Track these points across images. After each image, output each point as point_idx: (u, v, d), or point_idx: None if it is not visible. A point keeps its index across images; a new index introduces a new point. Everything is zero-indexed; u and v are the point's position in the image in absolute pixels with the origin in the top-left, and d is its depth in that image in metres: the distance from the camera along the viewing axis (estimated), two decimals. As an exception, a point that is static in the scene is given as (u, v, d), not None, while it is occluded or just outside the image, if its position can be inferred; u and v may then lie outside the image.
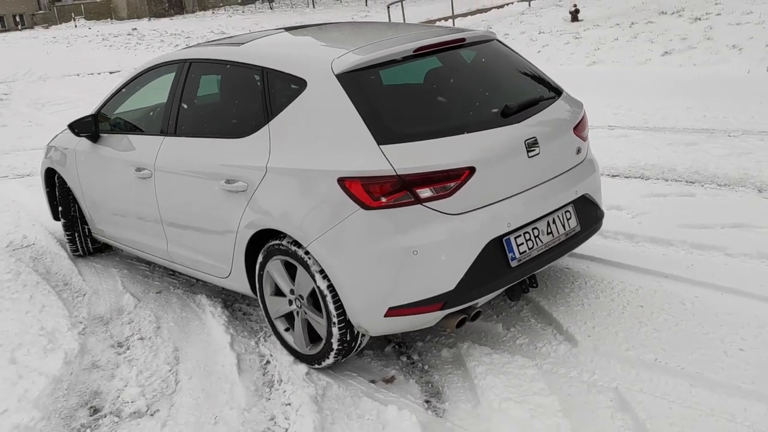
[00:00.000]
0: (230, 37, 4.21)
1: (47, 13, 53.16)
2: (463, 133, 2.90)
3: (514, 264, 2.97)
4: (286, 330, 3.36)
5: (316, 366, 3.20)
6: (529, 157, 3.03)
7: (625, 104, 7.85)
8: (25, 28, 49.90)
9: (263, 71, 3.28)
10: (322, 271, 2.97)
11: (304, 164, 2.97)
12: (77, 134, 4.26)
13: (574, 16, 13.58)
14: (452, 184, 2.81)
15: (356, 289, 2.87)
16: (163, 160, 3.72)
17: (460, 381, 3.02)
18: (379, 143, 2.80)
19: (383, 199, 2.77)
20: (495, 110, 3.06)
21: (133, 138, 4.09)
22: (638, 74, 9.21)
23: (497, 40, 3.58)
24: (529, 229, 3.04)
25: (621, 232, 4.29)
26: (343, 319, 2.99)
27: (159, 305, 4.11)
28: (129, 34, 27.90)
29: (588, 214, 3.36)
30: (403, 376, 3.13)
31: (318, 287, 2.99)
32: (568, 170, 3.26)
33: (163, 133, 3.78)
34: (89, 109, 11.63)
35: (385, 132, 2.83)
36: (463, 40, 3.32)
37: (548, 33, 12.67)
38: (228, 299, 4.11)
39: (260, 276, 3.33)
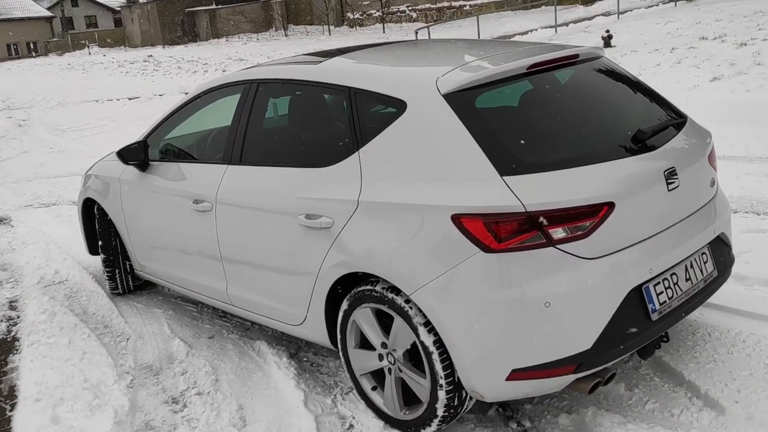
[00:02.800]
0: (300, 55, 3.82)
1: (60, 41, 53.58)
2: (595, 162, 2.48)
3: (654, 317, 2.51)
4: (373, 389, 2.90)
5: (413, 434, 2.73)
6: (669, 190, 2.59)
7: (682, 131, 7.41)
8: (39, 55, 50.22)
9: (350, 92, 2.87)
10: (427, 324, 2.52)
11: (408, 198, 2.54)
12: (126, 162, 3.85)
13: (607, 41, 13.26)
14: (588, 223, 2.38)
15: (473, 348, 2.42)
16: (227, 192, 3.30)
17: (591, 456, 2.55)
18: (501, 174, 2.38)
19: (509, 241, 2.33)
20: (626, 136, 2.63)
21: (189, 166, 3.68)
22: (688, 100, 8.74)
23: (606, 57, 3.17)
24: (667, 275, 2.59)
25: (728, 272, 3.82)
26: (451, 381, 2.53)
27: (213, 353, 3.65)
28: (145, 61, 27.83)
29: (722, 256, 2.92)
30: (518, 448, 2.66)
31: (421, 342, 2.54)
32: (705, 205, 2.82)
33: (226, 161, 3.37)
34: (113, 136, 11.37)
35: (507, 161, 2.41)
36: (576, 56, 2.92)
37: (582, 59, 12.33)
38: (290, 347, 3.65)
39: (343, 326, 2.88)
